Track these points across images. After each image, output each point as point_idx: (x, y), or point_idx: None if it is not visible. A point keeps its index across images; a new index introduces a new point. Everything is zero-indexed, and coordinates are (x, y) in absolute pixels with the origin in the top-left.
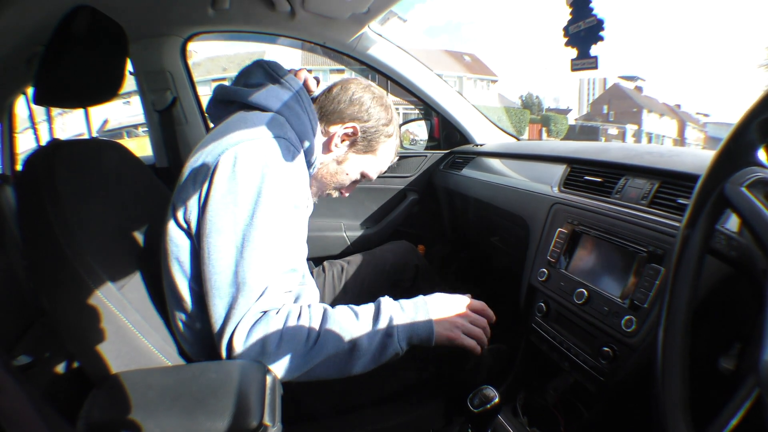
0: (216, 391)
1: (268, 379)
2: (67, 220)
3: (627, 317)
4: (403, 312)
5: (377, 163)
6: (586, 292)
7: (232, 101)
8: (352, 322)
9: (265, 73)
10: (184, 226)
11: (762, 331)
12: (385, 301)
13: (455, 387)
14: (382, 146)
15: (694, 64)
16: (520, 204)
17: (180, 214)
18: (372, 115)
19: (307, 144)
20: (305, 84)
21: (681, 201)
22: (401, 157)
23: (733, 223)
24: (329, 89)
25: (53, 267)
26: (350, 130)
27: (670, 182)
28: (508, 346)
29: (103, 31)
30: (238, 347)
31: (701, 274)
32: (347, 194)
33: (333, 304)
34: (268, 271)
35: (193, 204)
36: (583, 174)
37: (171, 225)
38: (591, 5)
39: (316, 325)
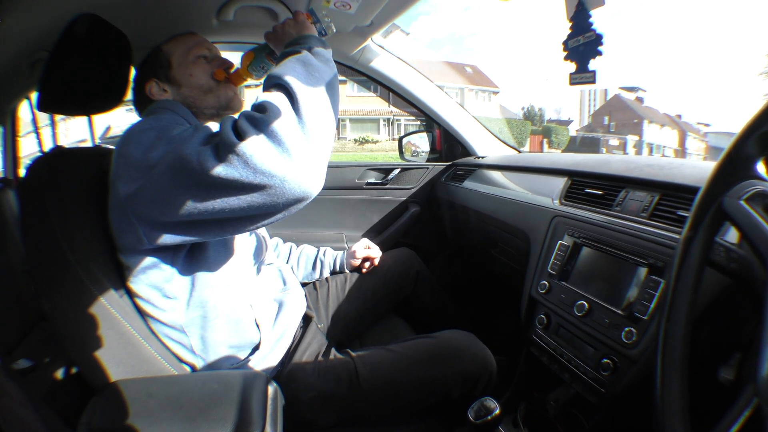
0: (218, 400)
1: (270, 389)
2: (70, 226)
3: (627, 329)
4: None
5: (179, 47)
6: (586, 305)
7: None
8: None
9: None
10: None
11: (761, 342)
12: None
13: (457, 400)
14: (164, 49)
15: (694, 73)
16: (521, 216)
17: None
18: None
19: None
20: None
21: (681, 213)
22: (403, 169)
23: (732, 235)
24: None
25: (56, 272)
26: (154, 87)
27: (670, 194)
28: (508, 357)
29: (107, 39)
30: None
31: (700, 285)
32: (224, 69)
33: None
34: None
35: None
36: (584, 186)
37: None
38: (591, 20)
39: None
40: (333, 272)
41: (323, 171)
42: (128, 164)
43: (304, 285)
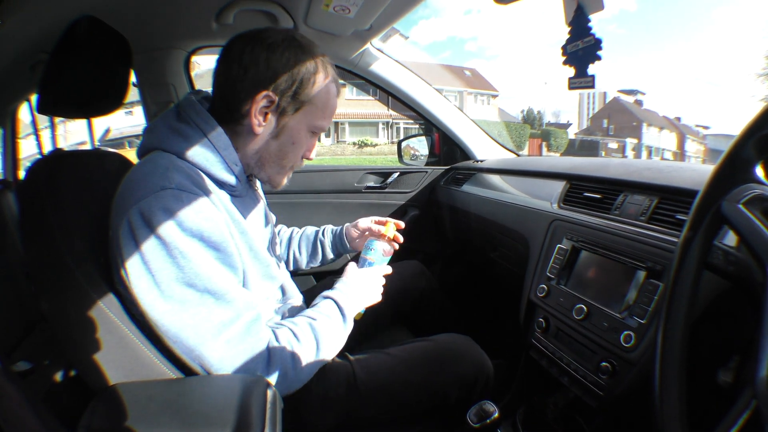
0: (217, 404)
1: (269, 393)
2: (68, 228)
3: (626, 332)
4: (350, 301)
5: (321, 109)
6: (585, 308)
7: None
8: (329, 330)
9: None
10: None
11: (759, 344)
12: (342, 299)
13: (455, 403)
14: (314, 91)
15: (693, 75)
16: (520, 220)
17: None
18: (276, 68)
19: (212, 167)
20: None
21: (679, 216)
22: (402, 173)
23: (730, 238)
24: (214, 73)
25: (54, 275)
26: (264, 101)
27: (668, 198)
28: (507, 361)
29: (107, 42)
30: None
31: (699, 289)
32: (312, 155)
33: None
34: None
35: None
36: (583, 190)
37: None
38: (589, 24)
39: (302, 345)
40: (335, 250)
41: None
42: (134, 222)
43: (300, 274)
